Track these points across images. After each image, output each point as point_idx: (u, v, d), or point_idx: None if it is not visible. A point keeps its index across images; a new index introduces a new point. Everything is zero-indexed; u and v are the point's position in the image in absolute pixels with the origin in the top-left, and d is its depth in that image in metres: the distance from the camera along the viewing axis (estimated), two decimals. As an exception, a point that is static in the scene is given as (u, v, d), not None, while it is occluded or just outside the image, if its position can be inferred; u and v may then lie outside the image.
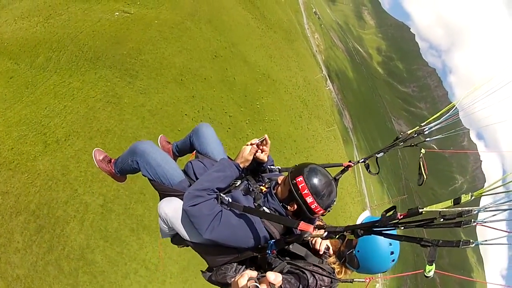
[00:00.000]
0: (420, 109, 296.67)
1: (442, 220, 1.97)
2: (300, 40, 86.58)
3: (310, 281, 2.87)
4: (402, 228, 2.09)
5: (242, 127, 37.95)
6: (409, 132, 3.93)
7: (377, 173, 4.20)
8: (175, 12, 40.22)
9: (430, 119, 3.86)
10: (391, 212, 2.12)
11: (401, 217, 2.05)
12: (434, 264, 2.02)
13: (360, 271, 3.09)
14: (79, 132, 20.80)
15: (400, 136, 3.97)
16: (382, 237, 2.82)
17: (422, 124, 3.93)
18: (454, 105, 3.87)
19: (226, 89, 39.52)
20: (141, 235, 20.07)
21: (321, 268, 3.03)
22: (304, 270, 2.93)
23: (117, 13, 33.13)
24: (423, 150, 3.94)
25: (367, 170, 4.12)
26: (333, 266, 3.19)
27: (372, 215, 3.29)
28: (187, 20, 40.90)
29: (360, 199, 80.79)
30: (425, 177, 3.99)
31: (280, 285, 1.79)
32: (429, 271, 2.01)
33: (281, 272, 2.93)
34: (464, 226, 1.88)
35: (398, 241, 2.92)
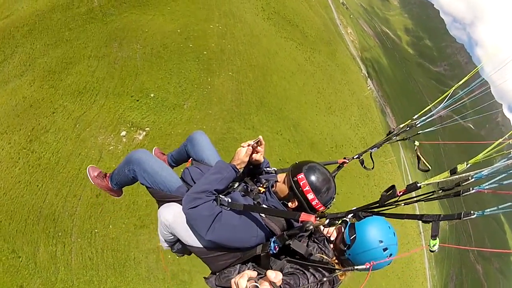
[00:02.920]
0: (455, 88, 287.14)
1: (441, 192, 1.93)
2: (339, 46, 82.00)
3: (310, 280, 2.75)
4: (403, 205, 2.05)
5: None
6: (401, 126, 3.80)
7: (372, 168, 3.98)
8: (212, 109, 26.43)
9: (421, 112, 3.72)
10: (390, 191, 2.05)
11: (400, 193, 2.01)
12: (437, 239, 1.93)
13: (357, 269, 2.78)
14: None
15: (393, 130, 3.84)
16: (371, 238, 2.70)
17: (414, 118, 3.79)
18: (448, 95, 3.73)
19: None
20: None
21: (321, 265, 2.86)
22: (304, 269, 2.81)
23: (124, 132, 20.44)
24: (417, 143, 3.80)
25: (362, 166, 3.98)
26: (333, 263, 2.98)
27: None
28: (233, 121, 27.47)
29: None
30: (429, 167, 3.75)
31: (280, 285, 1.75)
32: (433, 245, 1.93)
33: (281, 271, 2.79)
34: (463, 195, 1.83)
35: (392, 234, 2.78)
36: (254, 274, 1.79)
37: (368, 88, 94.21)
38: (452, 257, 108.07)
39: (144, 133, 21.38)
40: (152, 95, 23.37)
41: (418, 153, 3.71)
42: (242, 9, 41.70)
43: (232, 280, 1.87)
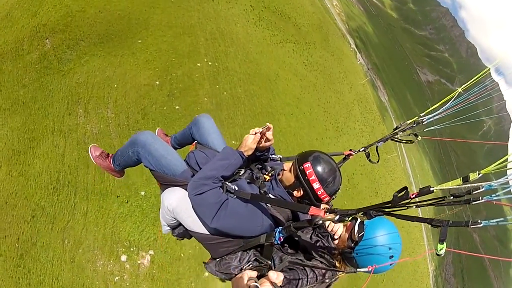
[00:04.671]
0: (441, 52, 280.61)
1: (452, 198, 1.92)
2: (330, 26, 78.61)
3: (310, 276, 2.72)
4: (414, 207, 2.03)
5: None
6: (408, 122, 3.76)
7: (377, 162, 3.99)
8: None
9: (429, 110, 3.67)
10: (402, 193, 2.02)
11: (413, 196, 1.99)
12: (445, 243, 1.96)
13: (359, 271, 2.78)
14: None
15: (400, 125, 3.82)
16: (383, 242, 2.72)
17: (421, 115, 3.74)
18: (454, 96, 3.63)
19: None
20: None
21: (321, 262, 2.88)
22: (304, 266, 2.77)
23: (125, 257, 15.86)
24: (419, 137, 3.81)
25: (368, 159, 3.96)
26: (336, 260, 2.97)
27: None
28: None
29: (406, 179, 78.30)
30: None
31: (281, 285, 1.77)
32: (440, 250, 1.95)
33: (281, 270, 2.73)
34: (473, 203, 1.84)
35: (399, 244, 2.81)
36: (254, 274, 1.84)
37: (358, 62, 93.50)
38: (449, 228, 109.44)
39: (149, 256, 16.54)
40: (142, 193, 17.50)
41: (409, 142, 3.81)
42: (230, 20, 35.82)
43: (233, 280, 1.94)
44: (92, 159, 3.93)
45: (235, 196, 2.90)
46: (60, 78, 19.04)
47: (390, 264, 2.74)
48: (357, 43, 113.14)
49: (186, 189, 3.01)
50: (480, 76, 3.69)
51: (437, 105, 3.61)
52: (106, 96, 19.70)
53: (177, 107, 21.82)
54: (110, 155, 3.94)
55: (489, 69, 3.58)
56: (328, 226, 3.03)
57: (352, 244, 2.83)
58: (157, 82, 22.12)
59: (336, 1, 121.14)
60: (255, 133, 3.24)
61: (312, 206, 2.41)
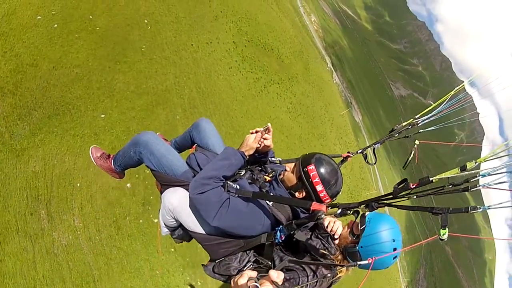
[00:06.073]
0: (415, 66, 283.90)
1: (450, 186, 1.97)
2: (309, 49, 78.72)
3: (310, 277, 2.74)
4: (415, 197, 2.09)
5: None
6: (404, 124, 3.85)
7: (375, 163, 4.05)
8: None
9: (423, 112, 3.75)
10: (403, 184, 2.08)
11: (413, 187, 2.05)
12: (447, 228, 1.98)
13: (361, 267, 2.69)
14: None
15: (395, 127, 3.88)
16: (386, 233, 2.76)
17: (416, 117, 3.83)
18: (447, 98, 3.75)
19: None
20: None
21: (321, 262, 2.89)
22: (304, 266, 2.80)
23: None
24: (417, 141, 3.90)
25: (365, 161, 3.97)
26: (336, 260, 3.01)
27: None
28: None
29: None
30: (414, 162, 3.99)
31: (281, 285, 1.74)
32: (443, 234, 1.97)
33: (282, 269, 2.71)
34: (471, 190, 1.89)
35: (400, 238, 2.83)
36: (254, 274, 1.78)
37: (334, 81, 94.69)
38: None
39: None
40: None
41: (413, 151, 3.86)
42: (212, 70, 31.46)
43: (232, 280, 1.87)
44: (92, 160, 3.90)
45: (236, 195, 2.90)
46: (15, 159, 14.94)
47: (394, 258, 2.81)
48: (333, 61, 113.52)
49: (187, 189, 3.01)
50: (459, 88, 3.81)
51: (431, 107, 3.69)
52: (69, 198, 15.31)
53: (155, 220, 17.13)
54: (111, 156, 3.93)
55: (463, 85, 3.75)
56: (327, 226, 3.02)
57: (354, 238, 2.88)
58: (128, 185, 17.29)
59: (314, 16, 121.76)
60: (256, 132, 3.27)
61: (314, 202, 2.48)
